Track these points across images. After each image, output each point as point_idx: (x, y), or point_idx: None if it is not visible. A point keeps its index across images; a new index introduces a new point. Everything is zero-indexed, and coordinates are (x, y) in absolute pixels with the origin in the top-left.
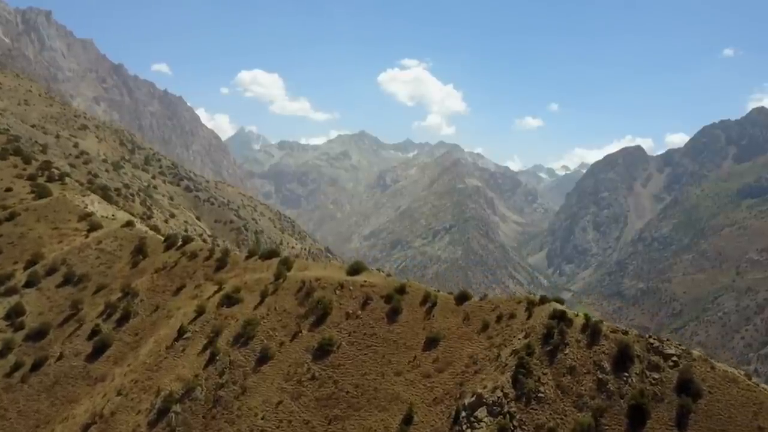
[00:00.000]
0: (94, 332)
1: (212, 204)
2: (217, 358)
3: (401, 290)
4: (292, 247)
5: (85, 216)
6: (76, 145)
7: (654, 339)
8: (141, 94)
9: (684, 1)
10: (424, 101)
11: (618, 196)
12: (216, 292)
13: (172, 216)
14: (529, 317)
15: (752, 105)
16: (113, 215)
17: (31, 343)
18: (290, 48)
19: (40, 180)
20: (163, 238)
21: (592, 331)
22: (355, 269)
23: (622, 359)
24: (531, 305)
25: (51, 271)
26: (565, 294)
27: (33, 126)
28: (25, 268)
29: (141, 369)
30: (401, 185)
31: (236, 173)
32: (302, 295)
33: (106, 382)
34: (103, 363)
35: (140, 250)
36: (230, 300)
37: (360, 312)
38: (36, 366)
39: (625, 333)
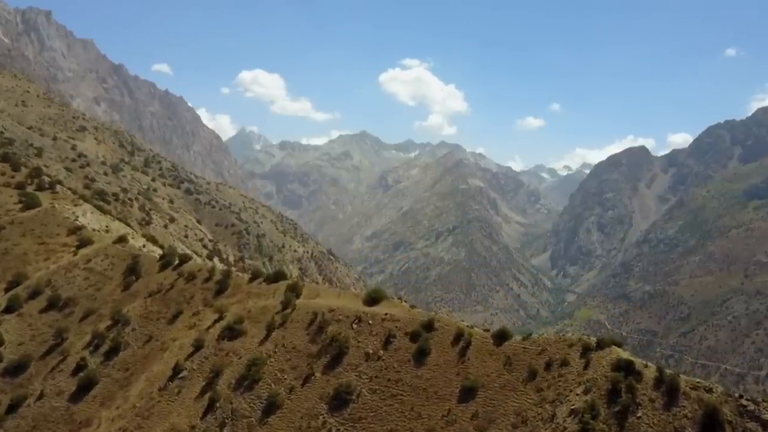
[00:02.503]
0: (80, 367)
1: (213, 207)
2: (218, 405)
3: (429, 326)
4: (295, 251)
5: (75, 230)
6: (74, 148)
7: (747, 400)
8: (141, 94)
9: (685, 0)
10: (426, 101)
11: (622, 196)
12: (216, 321)
13: (172, 220)
14: (586, 366)
15: (755, 105)
16: (107, 227)
17: (9, 378)
18: (291, 48)
19: (30, 189)
20: (158, 257)
21: (669, 388)
22: (374, 298)
23: (711, 426)
24: (587, 350)
25: (34, 294)
26: (569, 296)
27: (30, 128)
28: (6, 290)
29: (130, 414)
30: (403, 186)
31: (237, 174)
32: (314, 329)
33: (90, 428)
34: (89, 404)
35: (133, 270)
36: (232, 332)
37: (382, 352)
38: (13, 406)
39: (709, 390)
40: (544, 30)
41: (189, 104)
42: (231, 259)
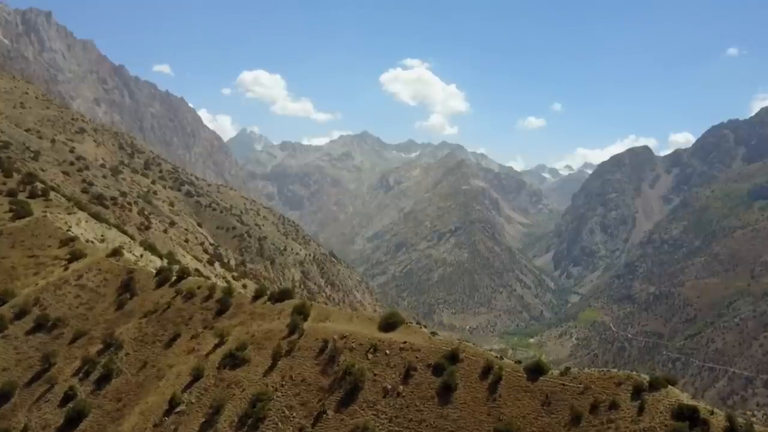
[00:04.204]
0: (68, 397)
1: (214, 210)
2: None
3: (453, 357)
4: (297, 253)
5: (68, 241)
6: (72, 150)
7: None
8: (142, 95)
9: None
10: (427, 101)
11: (625, 197)
12: (216, 346)
13: (172, 224)
14: (640, 411)
15: (756, 104)
16: (102, 236)
17: None
18: (292, 48)
19: (22, 196)
20: (154, 272)
21: None
22: (390, 323)
23: None
24: (638, 390)
25: (21, 314)
26: (572, 297)
27: (28, 130)
28: None
29: None
30: (405, 186)
31: (238, 175)
32: (325, 358)
33: None
34: None
35: (127, 287)
36: (234, 360)
37: (402, 387)
38: None
39: None
40: (544, 30)
41: (190, 105)
42: (232, 263)
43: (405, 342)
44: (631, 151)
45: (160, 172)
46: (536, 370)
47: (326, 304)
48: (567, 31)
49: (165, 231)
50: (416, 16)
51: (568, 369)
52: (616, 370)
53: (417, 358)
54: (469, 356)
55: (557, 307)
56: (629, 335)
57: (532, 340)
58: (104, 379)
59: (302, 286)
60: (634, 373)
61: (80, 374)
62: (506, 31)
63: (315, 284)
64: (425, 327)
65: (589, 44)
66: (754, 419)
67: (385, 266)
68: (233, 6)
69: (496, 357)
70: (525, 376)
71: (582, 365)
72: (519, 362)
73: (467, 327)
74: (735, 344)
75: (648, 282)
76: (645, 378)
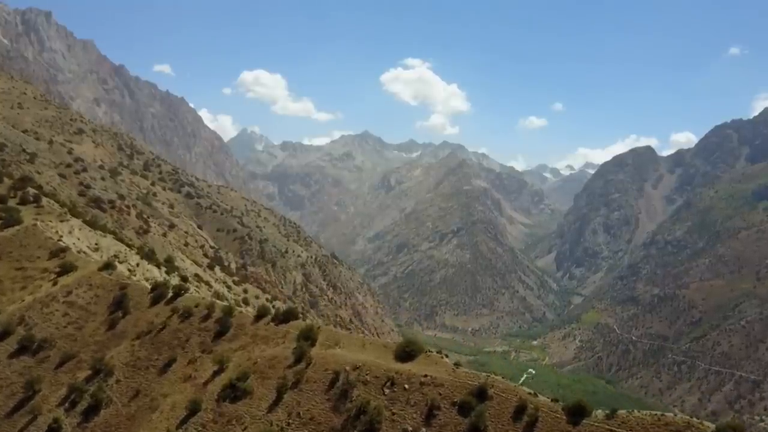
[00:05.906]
0: (52, 430)
1: (215, 211)
2: None
3: (481, 394)
4: (298, 256)
5: (58, 252)
6: (70, 152)
7: None
8: (142, 95)
9: None
10: (428, 101)
11: (628, 197)
12: (215, 373)
13: (172, 227)
14: None
15: (758, 104)
16: (96, 244)
17: None
18: (293, 48)
19: (12, 203)
20: (149, 287)
21: None
22: (408, 352)
23: None
24: None
25: (5, 334)
26: (575, 298)
27: (25, 131)
28: None
29: None
30: (406, 186)
31: (239, 175)
32: (336, 393)
33: None
34: None
35: (120, 304)
36: (235, 391)
37: (424, 430)
38: None
39: None
40: (548, 29)
41: (190, 105)
42: (233, 266)
43: (426, 375)
44: (634, 151)
45: (160, 173)
46: (577, 412)
47: (327, 306)
48: (568, 31)
49: (164, 234)
50: (417, 16)
51: (615, 411)
52: (672, 414)
53: (440, 394)
54: (498, 393)
55: (560, 308)
56: (633, 337)
57: (535, 342)
58: (92, 409)
59: (304, 289)
60: (695, 419)
61: (66, 404)
62: (507, 31)
63: (317, 287)
64: (447, 356)
65: (590, 44)
66: (762, 424)
67: (387, 267)
68: (234, 6)
69: (530, 394)
70: (564, 418)
71: (587, 368)
72: (556, 401)
73: (469, 329)
74: (741, 347)
75: (652, 283)
76: (709, 427)
